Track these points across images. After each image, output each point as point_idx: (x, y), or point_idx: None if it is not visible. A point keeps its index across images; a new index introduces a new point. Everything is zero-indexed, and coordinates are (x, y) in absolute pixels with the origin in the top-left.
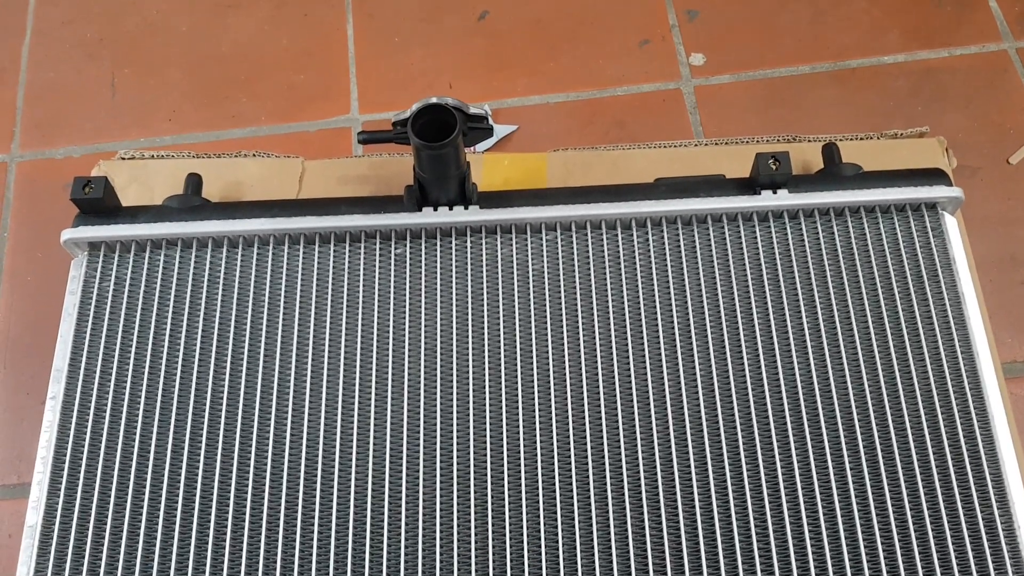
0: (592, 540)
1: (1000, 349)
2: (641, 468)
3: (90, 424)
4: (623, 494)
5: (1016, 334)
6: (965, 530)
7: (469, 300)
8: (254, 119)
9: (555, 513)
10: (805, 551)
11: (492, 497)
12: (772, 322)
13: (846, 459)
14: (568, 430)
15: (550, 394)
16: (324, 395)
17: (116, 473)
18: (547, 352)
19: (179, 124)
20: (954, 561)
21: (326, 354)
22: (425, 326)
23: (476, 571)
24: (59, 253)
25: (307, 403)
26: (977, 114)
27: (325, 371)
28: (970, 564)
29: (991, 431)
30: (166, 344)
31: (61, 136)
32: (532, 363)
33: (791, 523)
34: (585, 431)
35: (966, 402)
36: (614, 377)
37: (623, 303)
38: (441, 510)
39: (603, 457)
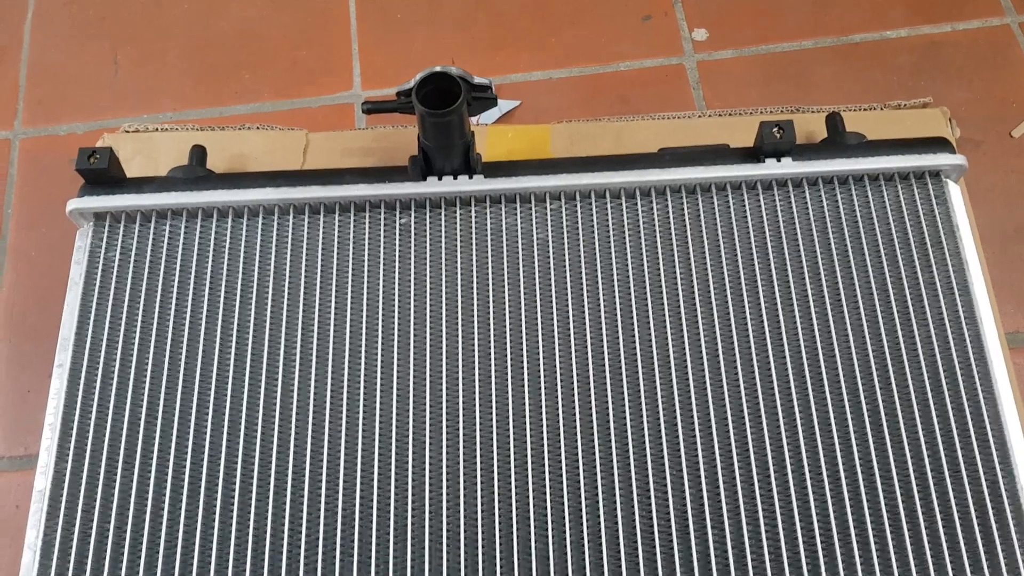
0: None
1: (1003, 320)
2: (648, 443)
3: (97, 391)
4: (628, 465)
5: (1020, 305)
6: (970, 500)
7: (474, 269)
8: (257, 96)
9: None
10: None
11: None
12: (776, 290)
13: (851, 425)
14: (573, 400)
15: (555, 363)
16: (331, 362)
17: (124, 439)
18: (552, 321)
19: (182, 102)
20: (959, 530)
21: (332, 322)
22: (430, 295)
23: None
24: (63, 229)
25: (314, 371)
26: (980, 88)
27: (331, 339)
28: (974, 529)
29: (994, 395)
30: (172, 312)
31: (64, 115)
32: (537, 331)
33: (797, 500)
34: (590, 400)
35: (969, 367)
36: (619, 346)
37: (628, 271)
38: (447, 474)
39: (608, 428)
